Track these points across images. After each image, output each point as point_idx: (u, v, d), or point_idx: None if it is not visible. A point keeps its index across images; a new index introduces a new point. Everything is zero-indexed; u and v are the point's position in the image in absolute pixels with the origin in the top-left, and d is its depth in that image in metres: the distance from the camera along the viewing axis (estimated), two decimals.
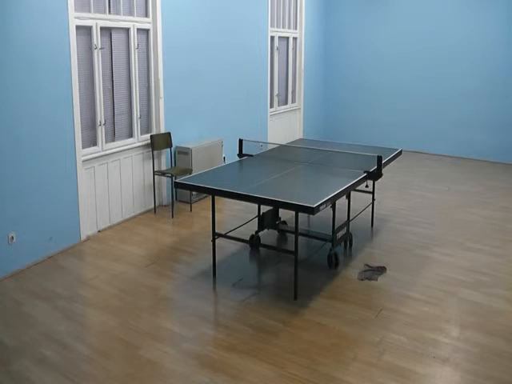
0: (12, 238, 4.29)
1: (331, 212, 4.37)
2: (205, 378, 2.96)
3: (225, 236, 4.32)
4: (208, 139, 6.47)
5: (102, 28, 5.07)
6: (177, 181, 4.13)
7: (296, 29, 8.72)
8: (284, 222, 5.14)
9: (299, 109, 9.07)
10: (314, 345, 3.29)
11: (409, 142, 9.04)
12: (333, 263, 4.38)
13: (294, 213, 3.88)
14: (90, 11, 4.92)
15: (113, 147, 5.34)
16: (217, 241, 4.32)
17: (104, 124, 5.22)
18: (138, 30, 5.51)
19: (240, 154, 5.06)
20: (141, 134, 5.73)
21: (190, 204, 5.99)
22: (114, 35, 5.27)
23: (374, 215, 5.56)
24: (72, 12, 4.60)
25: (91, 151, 5.09)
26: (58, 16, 4.48)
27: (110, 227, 5.35)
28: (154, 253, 4.73)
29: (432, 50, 8.70)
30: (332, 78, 9.84)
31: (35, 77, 4.34)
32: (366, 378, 2.96)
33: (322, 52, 9.67)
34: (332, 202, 3.76)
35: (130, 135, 5.63)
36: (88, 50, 4.98)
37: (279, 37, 8.19)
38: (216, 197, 4.12)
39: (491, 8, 8.09)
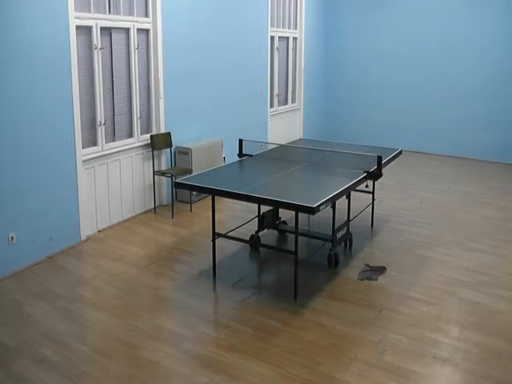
0: (12, 238, 4.29)
1: (331, 212, 4.37)
2: (205, 378, 2.96)
3: (225, 236, 4.32)
4: (208, 139, 6.47)
5: (102, 28, 5.07)
6: (177, 181, 4.13)
7: (296, 29, 8.71)
8: (284, 222, 5.14)
9: (299, 109, 9.07)
10: (314, 345, 3.29)
11: (409, 142, 9.03)
12: (333, 263, 4.38)
13: (293, 213, 3.88)
14: (90, 11, 4.92)
15: (113, 147, 5.34)
16: (217, 241, 4.32)
17: (104, 124, 5.22)
18: (137, 30, 5.51)
19: (240, 154, 5.06)
20: (141, 134, 5.73)
21: (190, 204, 5.99)
22: (113, 35, 5.27)
23: (374, 215, 5.56)
24: (72, 12, 4.60)
25: (91, 151, 5.09)
26: (58, 16, 4.48)
27: (110, 227, 5.35)
28: (154, 253, 4.73)
29: (432, 50, 8.70)
30: (332, 77, 9.84)
31: (35, 77, 4.34)
32: (366, 377, 2.96)
33: (322, 52, 9.66)
34: (332, 202, 3.76)
35: (130, 135, 5.63)
36: (88, 49, 4.98)
37: (279, 37, 8.19)
38: (216, 197, 4.12)
39: (491, 8, 8.09)
